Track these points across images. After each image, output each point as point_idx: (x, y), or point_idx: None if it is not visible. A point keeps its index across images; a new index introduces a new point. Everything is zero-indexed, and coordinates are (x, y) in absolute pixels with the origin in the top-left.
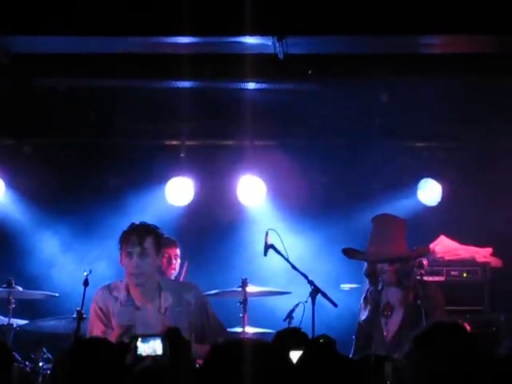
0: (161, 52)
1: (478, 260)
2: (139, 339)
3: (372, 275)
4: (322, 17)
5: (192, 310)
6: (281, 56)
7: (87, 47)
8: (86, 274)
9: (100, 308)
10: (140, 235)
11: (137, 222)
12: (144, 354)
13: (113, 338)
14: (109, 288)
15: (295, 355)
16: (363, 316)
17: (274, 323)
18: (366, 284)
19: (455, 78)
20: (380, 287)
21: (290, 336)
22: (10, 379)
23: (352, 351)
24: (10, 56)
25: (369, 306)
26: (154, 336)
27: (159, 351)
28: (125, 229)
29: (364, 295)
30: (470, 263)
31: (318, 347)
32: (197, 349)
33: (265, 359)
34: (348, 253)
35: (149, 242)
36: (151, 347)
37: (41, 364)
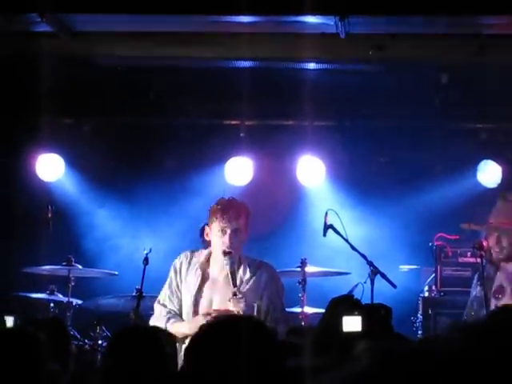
0: (223, 31)
1: None
2: None
3: (486, 250)
4: None
5: (263, 288)
6: (343, 36)
7: (147, 25)
8: (146, 252)
9: (175, 272)
10: (237, 212)
11: (226, 198)
12: None
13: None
14: (192, 253)
15: (348, 321)
16: (473, 292)
17: None
18: (484, 261)
19: None
20: (496, 266)
21: (344, 302)
22: (69, 358)
23: None
24: (71, 34)
25: (479, 284)
26: None
27: None
28: (216, 203)
29: (478, 272)
30: None
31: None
32: None
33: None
34: (465, 224)
35: (243, 219)
36: None
37: (100, 342)
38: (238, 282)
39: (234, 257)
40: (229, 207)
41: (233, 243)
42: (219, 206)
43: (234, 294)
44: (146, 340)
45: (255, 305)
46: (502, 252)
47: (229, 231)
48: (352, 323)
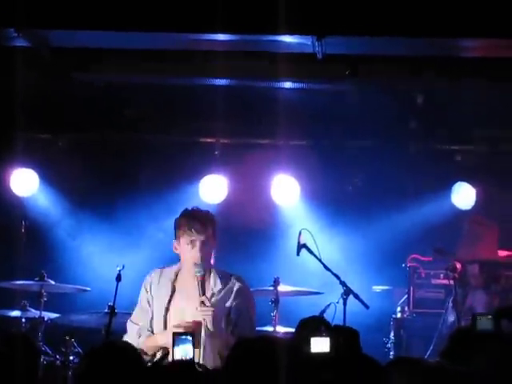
0: (198, 49)
1: None
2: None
3: (461, 277)
4: (362, 17)
5: (233, 299)
6: (320, 56)
7: (124, 43)
8: (118, 268)
9: (146, 289)
10: (204, 223)
11: (190, 208)
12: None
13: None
14: (161, 271)
15: (316, 342)
16: (450, 319)
17: None
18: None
19: (493, 82)
20: (467, 290)
21: (313, 324)
22: (37, 373)
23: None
24: (47, 49)
25: (452, 307)
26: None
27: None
28: (182, 215)
29: (452, 297)
30: None
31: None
32: (227, 340)
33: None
34: (438, 252)
35: (210, 229)
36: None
37: (71, 358)
38: (208, 293)
39: (205, 266)
40: (195, 219)
41: (203, 255)
42: (185, 219)
43: (202, 303)
44: (123, 356)
45: (223, 315)
46: (473, 279)
47: (198, 243)
48: (320, 344)
